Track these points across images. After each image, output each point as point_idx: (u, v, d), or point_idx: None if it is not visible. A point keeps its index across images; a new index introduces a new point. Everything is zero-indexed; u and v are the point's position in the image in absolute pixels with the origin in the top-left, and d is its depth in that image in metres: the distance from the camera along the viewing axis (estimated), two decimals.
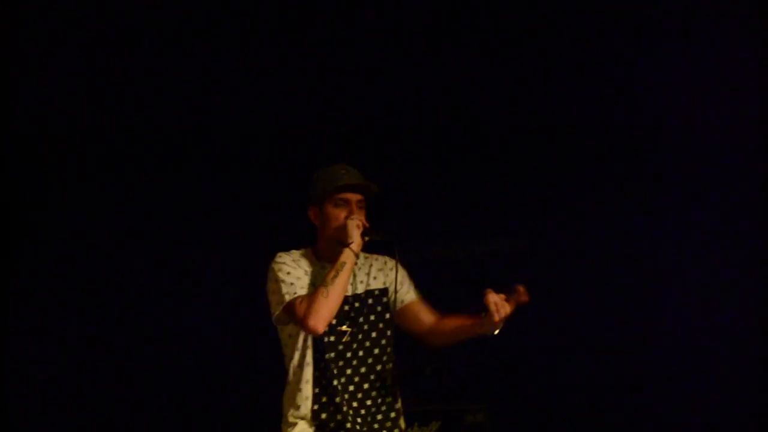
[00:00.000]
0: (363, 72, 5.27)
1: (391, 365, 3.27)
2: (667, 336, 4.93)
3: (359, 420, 3.20)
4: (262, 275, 5.36)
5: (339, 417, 3.17)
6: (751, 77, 4.80)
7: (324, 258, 3.26)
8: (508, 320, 3.07)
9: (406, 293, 3.35)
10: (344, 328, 3.23)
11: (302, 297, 3.13)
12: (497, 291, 3.09)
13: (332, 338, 3.20)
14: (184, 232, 5.38)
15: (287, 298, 3.13)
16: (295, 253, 3.27)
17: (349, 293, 3.25)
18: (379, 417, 3.24)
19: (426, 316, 3.32)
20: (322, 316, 3.07)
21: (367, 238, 3.19)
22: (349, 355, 3.21)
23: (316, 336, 3.15)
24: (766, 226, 4.77)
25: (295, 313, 3.10)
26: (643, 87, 5.05)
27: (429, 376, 5.08)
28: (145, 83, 5.25)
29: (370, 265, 3.35)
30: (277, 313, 3.19)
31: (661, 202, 5.04)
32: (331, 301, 3.09)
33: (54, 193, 5.34)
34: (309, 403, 3.18)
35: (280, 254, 3.25)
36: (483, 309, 3.07)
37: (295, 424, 3.19)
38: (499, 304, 3.03)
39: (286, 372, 3.25)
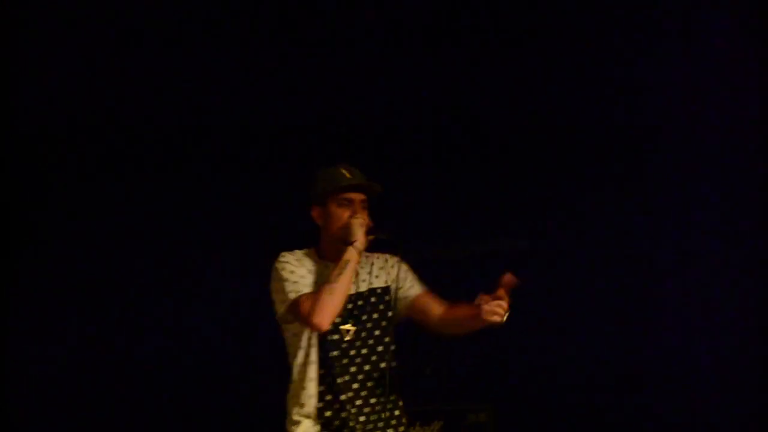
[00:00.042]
0: (363, 72, 5.27)
1: (394, 363, 3.28)
2: (667, 336, 4.93)
3: (363, 418, 3.21)
4: (263, 275, 5.35)
5: (343, 415, 3.19)
6: (751, 77, 4.80)
7: (327, 257, 3.27)
8: (511, 306, 3.06)
9: (410, 288, 3.37)
10: (348, 326, 3.24)
11: (307, 295, 3.15)
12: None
13: (336, 336, 3.21)
14: (184, 232, 5.38)
15: (292, 296, 3.15)
16: (298, 253, 3.29)
17: (352, 291, 3.26)
18: (384, 415, 3.25)
19: (434, 307, 3.33)
20: (327, 313, 3.09)
21: (371, 237, 3.20)
22: (353, 353, 3.23)
23: (321, 333, 3.17)
24: (766, 226, 4.77)
25: (300, 311, 3.12)
26: (643, 87, 5.05)
27: (430, 375, 5.08)
28: (145, 83, 5.25)
29: (372, 264, 3.37)
30: (281, 311, 3.21)
31: (661, 202, 5.04)
32: (336, 299, 3.11)
33: (54, 193, 5.34)
34: (313, 401, 3.20)
35: (283, 254, 3.27)
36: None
37: (299, 423, 3.21)
38: (495, 308, 3.01)
39: (290, 371, 3.26)
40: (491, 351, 5.08)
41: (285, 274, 3.21)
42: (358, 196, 3.26)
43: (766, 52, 4.77)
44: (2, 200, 5.24)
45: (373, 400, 3.24)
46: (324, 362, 3.20)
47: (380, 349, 3.27)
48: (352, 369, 3.22)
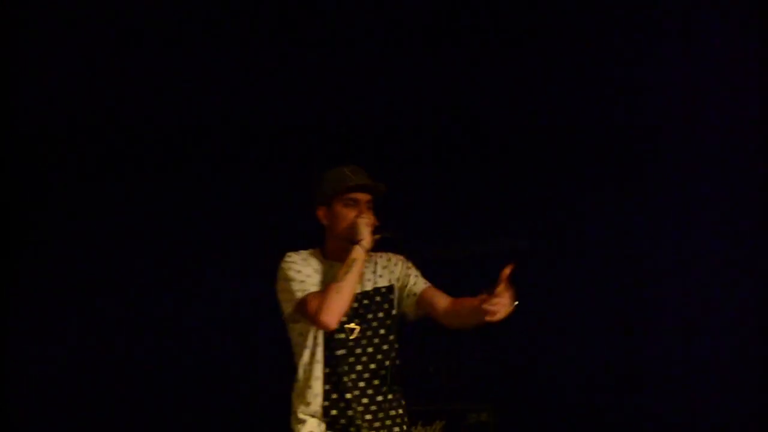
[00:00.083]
0: (363, 72, 5.27)
1: (397, 362, 3.30)
2: (667, 336, 4.93)
3: (369, 416, 3.23)
4: (263, 275, 5.35)
5: (349, 413, 3.20)
6: (751, 77, 4.80)
7: (333, 257, 3.30)
8: (517, 299, 3.07)
9: (415, 285, 3.39)
10: (353, 325, 3.26)
11: (314, 294, 3.17)
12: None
13: (342, 335, 3.24)
14: (184, 232, 5.38)
15: (299, 295, 3.17)
16: (304, 253, 3.31)
17: (358, 291, 3.28)
18: (391, 413, 3.28)
19: (440, 301, 3.34)
20: (335, 311, 3.11)
21: (377, 236, 3.22)
22: (358, 351, 3.25)
23: (329, 331, 3.18)
24: (766, 226, 4.77)
25: (308, 310, 3.14)
26: (643, 87, 5.05)
27: (432, 374, 5.08)
28: (145, 83, 5.25)
29: (375, 263, 3.39)
30: (288, 310, 3.22)
31: (661, 202, 5.04)
32: (344, 297, 3.13)
33: (54, 193, 5.34)
34: (319, 399, 3.22)
35: (289, 254, 3.29)
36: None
37: (305, 421, 3.22)
38: (493, 307, 2.99)
39: (295, 369, 3.27)
40: (492, 351, 5.09)
41: (291, 273, 3.23)
42: (363, 197, 3.29)
43: (766, 52, 4.77)
44: (2, 200, 5.24)
45: (379, 398, 3.26)
46: (330, 361, 3.22)
47: (385, 347, 3.29)
48: (358, 367, 3.24)
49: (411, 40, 5.22)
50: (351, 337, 3.24)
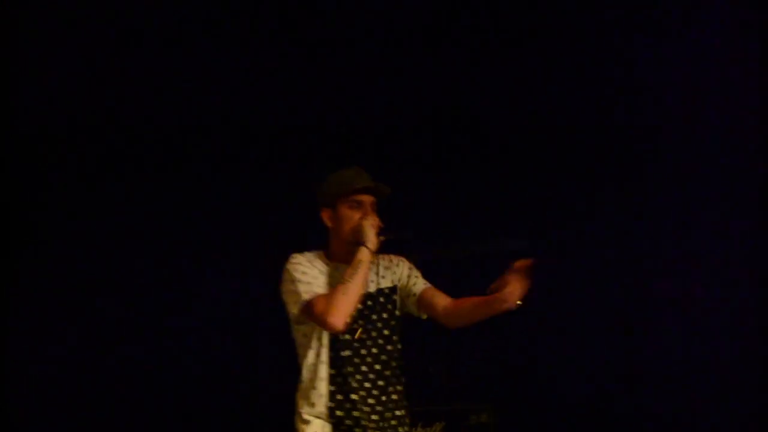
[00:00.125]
0: (363, 72, 5.27)
1: (402, 362, 3.31)
2: (667, 336, 4.93)
3: (376, 417, 3.24)
4: (263, 275, 5.36)
5: (355, 414, 3.21)
6: (751, 77, 4.80)
7: (337, 259, 3.31)
8: (529, 293, 3.17)
9: (415, 285, 3.42)
10: (356, 326, 3.26)
11: (321, 295, 3.18)
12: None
13: (347, 336, 3.24)
14: (184, 232, 5.38)
15: (306, 297, 3.18)
16: (309, 254, 3.32)
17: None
18: (396, 413, 3.29)
19: (441, 301, 3.39)
20: (343, 313, 3.12)
21: (382, 238, 3.23)
22: (364, 352, 3.26)
23: (336, 333, 3.18)
24: (766, 226, 4.77)
25: (315, 312, 3.14)
26: (643, 87, 5.05)
27: (432, 375, 5.08)
28: (145, 83, 5.25)
29: (378, 265, 3.40)
30: (294, 311, 3.22)
31: (661, 202, 5.04)
32: (351, 299, 3.14)
33: (54, 193, 5.34)
34: (325, 400, 3.22)
35: (294, 255, 3.30)
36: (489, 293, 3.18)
37: (310, 422, 3.22)
38: (518, 278, 3.13)
39: (299, 370, 3.27)
40: (493, 351, 5.09)
41: (298, 275, 3.24)
42: (368, 198, 3.30)
43: (766, 52, 4.77)
44: (2, 200, 5.24)
45: (384, 399, 3.27)
46: (335, 362, 3.23)
47: (389, 348, 3.31)
48: (363, 368, 3.25)
49: (411, 40, 5.22)
50: (356, 337, 3.24)
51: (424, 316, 3.44)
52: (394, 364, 3.30)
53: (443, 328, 3.43)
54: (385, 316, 3.32)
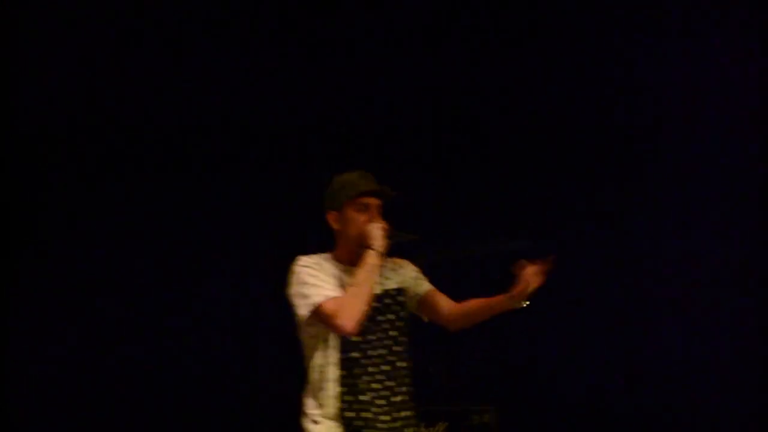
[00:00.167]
0: (364, 72, 5.28)
1: (409, 363, 3.32)
2: (669, 336, 4.94)
3: (385, 417, 3.24)
4: (263, 275, 5.36)
5: (365, 415, 3.21)
6: (751, 77, 4.80)
7: (344, 261, 3.31)
8: (538, 294, 3.22)
9: (419, 287, 3.44)
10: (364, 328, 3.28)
11: (333, 299, 3.17)
12: (500, 290, 3.19)
13: (356, 338, 3.23)
14: (184, 232, 5.38)
15: (317, 299, 3.17)
16: (316, 257, 3.32)
17: None
18: (402, 414, 3.30)
19: (446, 302, 3.42)
20: (355, 317, 3.12)
21: (390, 241, 3.23)
22: (372, 353, 3.26)
23: (348, 336, 3.18)
24: (766, 226, 4.77)
25: (327, 315, 3.14)
26: (643, 87, 5.05)
27: (434, 376, 5.09)
28: (145, 83, 5.25)
29: (383, 267, 3.40)
30: (304, 314, 3.20)
31: (661, 202, 5.04)
32: (362, 302, 3.14)
33: (54, 193, 5.34)
34: (334, 401, 3.22)
35: (301, 257, 3.29)
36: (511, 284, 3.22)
37: (320, 422, 3.22)
38: (532, 275, 3.19)
39: (305, 371, 3.27)
40: (494, 352, 5.09)
41: (307, 277, 3.23)
42: (374, 201, 3.31)
43: (766, 52, 4.77)
44: (2, 200, 5.24)
45: (394, 399, 3.27)
46: (344, 363, 3.23)
47: (397, 349, 3.31)
48: (372, 369, 3.25)
49: (411, 40, 5.23)
50: (366, 338, 3.24)
51: (426, 319, 3.45)
52: (401, 365, 3.30)
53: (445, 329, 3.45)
54: (391, 317, 3.32)
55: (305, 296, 3.20)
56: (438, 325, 3.45)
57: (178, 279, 5.36)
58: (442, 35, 5.21)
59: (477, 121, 5.35)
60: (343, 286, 3.22)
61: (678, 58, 4.97)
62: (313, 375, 3.25)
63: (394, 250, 3.34)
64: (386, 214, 3.37)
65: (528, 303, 3.25)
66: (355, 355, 3.23)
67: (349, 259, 3.28)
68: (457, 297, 3.46)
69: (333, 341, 3.23)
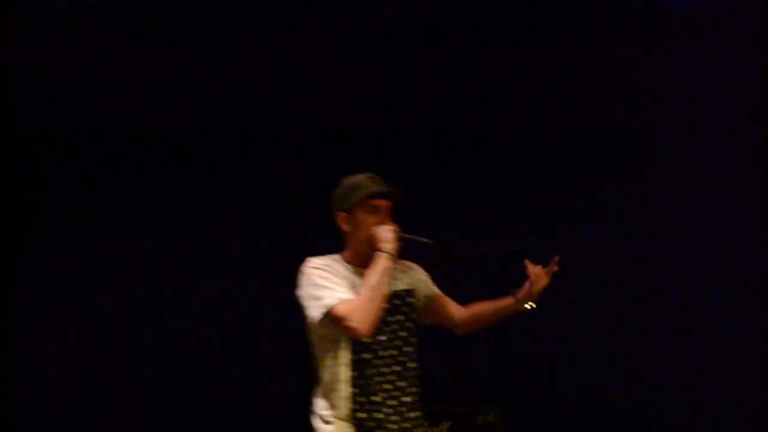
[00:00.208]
0: (364, 72, 5.28)
1: (418, 364, 3.33)
2: (671, 336, 4.94)
3: (396, 418, 3.25)
4: (263, 275, 5.36)
5: (377, 415, 3.21)
6: (751, 78, 4.80)
7: (353, 263, 3.31)
8: (542, 295, 3.29)
9: (428, 289, 3.45)
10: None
11: (346, 301, 3.17)
12: (501, 290, 3.24)
13: (367, 339, 3.23)
14: (183, 232, 5.38)
15: (329, 302, 3.16)
16: (326, 258, 3.32)
17: None
18: (413, 414, 3.30)
19: (454, 307, 3.46)
20: (370, 319, 3.13)
21: (401, 243, 3.24)
22: (383, 353, 3.26)
23: (362, 339, 3.18)
24: (766, 226, 4.77)
25: (339, 317, 3.13)
26: (643, 87, 5.06)
27: (439, 376, 5.09)
28: (145, 83, 5.25)
29: (393, 269, 3.40)
30: (315, 315, 3.19)
31: (661, 202, 5.04)
32: (376, 304, 3.14)
33: (54, 193, 5.34)
34: (346, 402, 3.22)
35: (311, 259, 3.29)
36: (512, 293, 3.29)
37: (332, 423, 3.22)
38: (539, 276, 3.27)
39: (316, 372, 3.28)
40: (499, 352, 5.09)
41: (319, 279, 3.22)
42: (384, 203, 3.30)
43: (766, 53, 4.77)
44: (2, 200, 5.24)
45: (404, 399, 3.28)
46: (356, 364, 3.22)
47: (407, 349, 3.31)
48: (384, 369, 3.25)
49: (411, 40, 5.23)
50: (377, 339, 3.24)
51: (428, 322, 3.45)
52: (411, 365, 3.31)
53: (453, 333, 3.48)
54: (400, 318, 3.32)
55: (317, 298, 3.19)
56: (445, 329, 3.48)
57: (178, 279, 5.36)
58: (442, 35, 5.21)
59: (477, 121, 5.35)
60: (353, 288, 3.21)
61: (678, 58, 4.97)
62: (324, 376, 3.25)
63: (408, 252, 3.35)
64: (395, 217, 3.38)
65: (534, 305, 3.28)
66: (366, 356, 3.23)
67: (359, 260, 3.28)
68: (457, 297, 3.47)
69: (344, 342, 3.22)
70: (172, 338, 5.32)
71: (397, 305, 3.32)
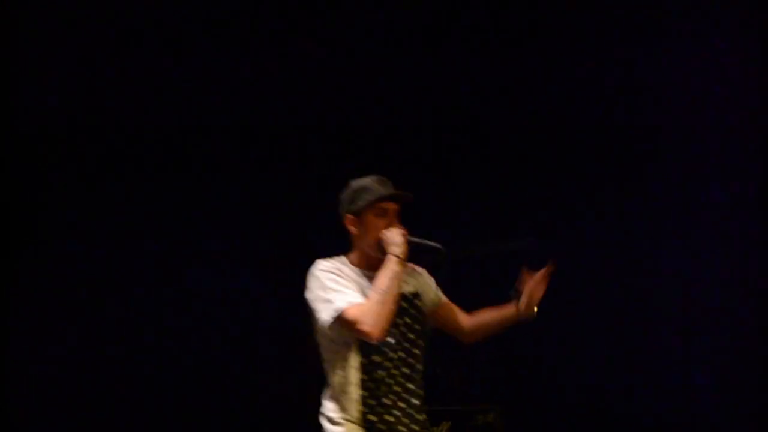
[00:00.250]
0: (364, 72, 5.28)
1: (424, 367, 3.35)
2: (675, 336, 4.94)
3: (406, 420, 3.25)
4: (263, 275, 5.36)
5: (388, 418, 3.22)
6: (751, 77, 4.80)
7: (361, 266, 3.32)
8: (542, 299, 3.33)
9: (435, 296, 3.47)
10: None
11: (357, 304, 3.16)
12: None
13: (376, 341, 3.23)
14: (184, 232, 5.38)
15: (341, 305, 3.16)
16: (335, 261, 3.32)
17: None
18: (420, 417, 3.31)
19: (461, 315, 3.49)
20: (383, 323, 3.13)
21: (409, 246, 3.24)
22: (393, 356, 3.26)
23: (375, 342, 3.19)
24: (766, 226, 4.77)
25: (351, 321, 3.13)
26: (643, 87, 5.06)
27: (439, 375, 5.08)
28: (145, 83, 5.25)
29: None
30: (328, 319, 3.18)
31: (661, 202, 5.05)
32: (388, 308, 3.14)
33: (54, 193, 5.34)
34: (356, 405, 3.22)
35: (320, 261, 3.29)
36: (513, 296, 3.34)
37: (342, 424, 3.22)
38: (536, 284, 3.32)
39: (325, 374, 3.28)
40: (499, 352, 5.09)
41: (329, 283, 3.22)
42: (393, 206, 3.31)
43: (766, 52, 4.77)
44: (2, 200, 5.23)
45: (413, 401, 3.29)
46: (366, 367, 3.22)
47: (416, 351, 3.32)
48: (394, 371, 3.25)
49: (411, 40, 5.23)
50: (386, 341, 3.24)
51: (433, 327, 3.46)
52: (419, 367, 3.32)
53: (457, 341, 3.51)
54: (408, 320, 3.32)
55: (328, 301, 3.18)
56: (450, 336, 3.51)
57: (179, 279, 5.36)
58: (442, 35, 5.22)
59: (477, 121, 5.35)
60: (362, 290, 3.22)
61: (678, 58, 4.97)
62: (334, 378, 3.25)
63: (426, 254, 3.35)
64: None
65: (536, 313, 3.33)
66: (376, 358, 3.22)
67: (366, 263, 3.29)
68: (457, 297, 3.47)
69: (353, 345, 3.22)
70: (172, 338, 5.32)
71: (405, 308, 3.32)
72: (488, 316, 3.44)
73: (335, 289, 3.20)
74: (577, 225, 5.17)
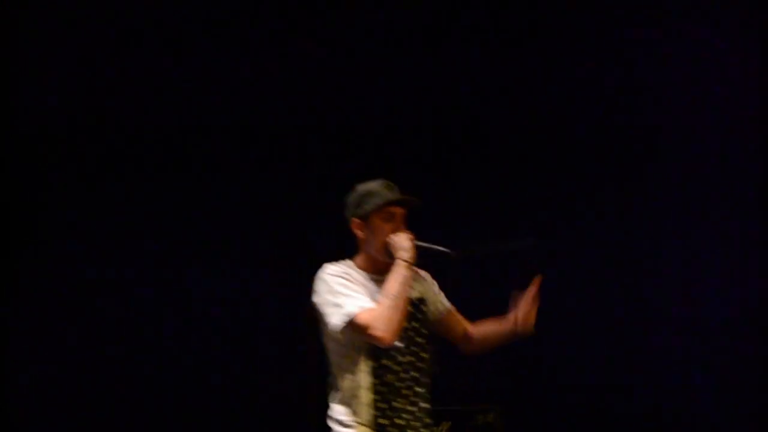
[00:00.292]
0: (364, 72, 5.28)
1: (429, 371, 3.36)
2: (675, 336, 4.94)
3: (416, 423, 3.27)
4: (263, 275, 5.35)
5: (398, 421, 3.23)
6: (751, 77, 4.81)
7: (368, 270, 3.32)
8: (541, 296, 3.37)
9: (440, 303, 3.49)
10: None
11: (367, 309, 3.17)
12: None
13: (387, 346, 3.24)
14: (184, 232, 5.37)
15: (352, 309, 3.16)
16: (342, 265, 3.32)
17: None
18: (427, 420, 3.33)
19: (463, 324, 3.51)
20: (395, 328, 3.14)
21: (417, 251, 3.25)
22: (402, 360, 3.27)
23: (387, 347, 3.19)
24: (766, 226, 4.77)
25: (362, 326, 3.14)
26: (643, 87, 5.06)
27: (439, 375, 5.08)
28: (145, 83, 5.25)
29: None
30: (338, 324, 3.19)
31: (661, 202, 5.05)
32: (399, 313, 3.15)
33: (54, 193, 5.33)
34: (368, 409, 3.22)
35: (327, 265, 3.29)
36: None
37: (354, 427, 3.22)
38: (528, 307, 3.35)
39: (334, 378, 3.29)
40: (499, 352, 5.08)
41: (339, 287, 3.23)
42: (400, 210, 3.32)
43: (766, 52, 4.77)
44: (2, 200, 5.23)
45: (423, 405, 3.31)
46: (376, 371, 3.23)
47: (424, 355, 3.33)
48: (403, 375, 3.27)
49: (411, 40, 5.23)
50: (396, 344, 3.24)
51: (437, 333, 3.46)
52: (426, 371, 3.34)
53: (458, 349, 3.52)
54: (416, 325, 3.33)
55: (338, 306, 3.19)
56: (452, 344, 3.52)
57: (178, 279, 5.35)
58: (442, 35, 5.22)
59: (477, 121, 5.35)
60: (371, 295, 3.22)
61: (678, 58, 4.97)
62: (344, 383, 3.25)
63: (431, 259, 3.36)
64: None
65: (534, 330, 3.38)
66: (386, 362, 3.23)
67: (373, 267, 3.30)
68: (457, 297, 3.47)
69: (363, 349, 3.22)
70: (172, 338, 5.32)
71: (412, 313, 3.32)
72: (490, 330, 3.46)
73: (345, 294, 3.20)
74: (577, 225, 5.17)
